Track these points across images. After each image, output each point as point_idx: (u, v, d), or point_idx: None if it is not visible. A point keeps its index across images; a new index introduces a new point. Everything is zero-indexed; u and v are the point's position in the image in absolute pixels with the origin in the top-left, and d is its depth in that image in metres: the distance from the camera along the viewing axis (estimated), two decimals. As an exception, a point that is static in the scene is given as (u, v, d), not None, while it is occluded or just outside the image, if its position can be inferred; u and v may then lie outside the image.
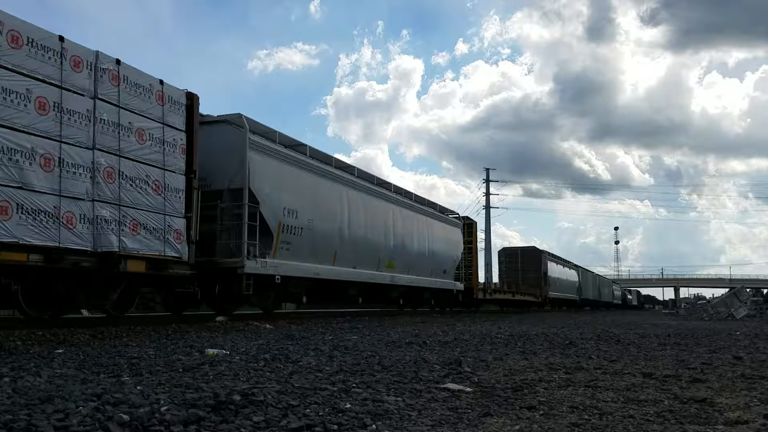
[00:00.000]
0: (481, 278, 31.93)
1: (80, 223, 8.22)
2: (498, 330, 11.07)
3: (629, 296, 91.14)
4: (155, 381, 4.06)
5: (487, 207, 57.76)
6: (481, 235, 42.61)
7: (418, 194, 21.23)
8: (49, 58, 8.02)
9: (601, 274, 70.41)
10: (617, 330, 12.14)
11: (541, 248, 40.97)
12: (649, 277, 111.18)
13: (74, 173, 8.20)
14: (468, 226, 26.46)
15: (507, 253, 40.68)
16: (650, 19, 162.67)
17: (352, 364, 5.20)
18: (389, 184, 19.38)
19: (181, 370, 4.68)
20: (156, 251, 9.38)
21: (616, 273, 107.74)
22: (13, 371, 4.41)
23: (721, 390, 4.23)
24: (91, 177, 8.41)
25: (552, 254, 42.14)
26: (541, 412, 3.37)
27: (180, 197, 10.01)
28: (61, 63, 8.17)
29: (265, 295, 13.04)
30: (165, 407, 3.07)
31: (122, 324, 9.41)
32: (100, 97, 8.66)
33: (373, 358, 5.77)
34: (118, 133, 8.94)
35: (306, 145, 14.46)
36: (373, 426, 2.93)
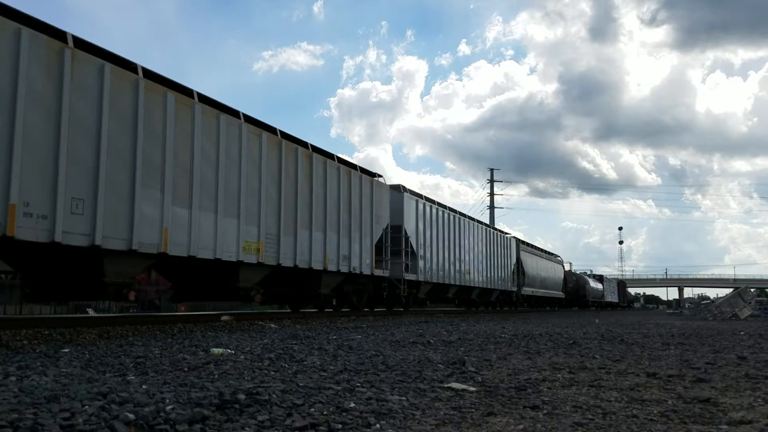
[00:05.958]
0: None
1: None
2: (502, 330, 11.08)
3: (597, 286, 55.01)
4: (161, 380, 4.08)
5: (492, 207, 57.76)
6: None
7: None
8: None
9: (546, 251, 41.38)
10: (621, 330, 12.13)
11: None
12: (653, 277, 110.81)
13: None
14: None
15: None
16: (651, 21, 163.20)
17: (357, 364, 5.21)
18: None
19: (186, 369, 4.70)
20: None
21: (620, 273, 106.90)
22: (20, 370, 4.44)
23: (725, 390, 4.23)
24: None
25: None
26: (545, 411, 3.38)
27: None
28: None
29: None
30: (170, 406, 3.09)
31: (128, 324, 9.44)
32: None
33: (377, 357, 5.78)
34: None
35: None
36: (377, 425, 2.94)
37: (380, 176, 17.46)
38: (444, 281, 21.70)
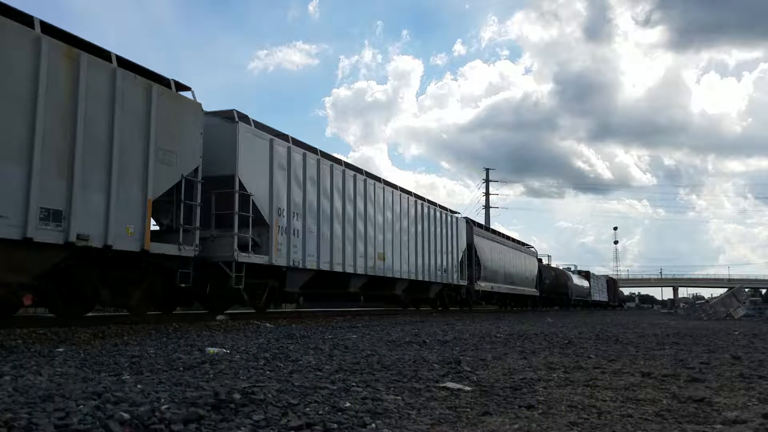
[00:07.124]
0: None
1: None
2: (497, 329, 11.10)
3: (582, 283, 48.74)
4: (156, 379, 4.07)
5: (487, 207, 57.84)
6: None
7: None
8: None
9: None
10: (616, 330, 12.16)
11: None
12: (648, 277, 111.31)
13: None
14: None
15: None
16: (645, 22, 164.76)
17: (352, 363, 5.21)
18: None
19: (181, 368, 4.70)
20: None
21: (615, 273, 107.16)
22: (14, 370, 4.43)
23: (719, 389, 4.24)
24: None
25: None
26: (540, 411, 3.38)
27: None
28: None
29: None
30: (165, 406, 3.09)
31: (123, 323, 9.41)
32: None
33: (373, 357, 5.79)
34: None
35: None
36: (373, 425, 2.94)
37: (188, 89, 10.40)
38: (335, 269, 14.80)
